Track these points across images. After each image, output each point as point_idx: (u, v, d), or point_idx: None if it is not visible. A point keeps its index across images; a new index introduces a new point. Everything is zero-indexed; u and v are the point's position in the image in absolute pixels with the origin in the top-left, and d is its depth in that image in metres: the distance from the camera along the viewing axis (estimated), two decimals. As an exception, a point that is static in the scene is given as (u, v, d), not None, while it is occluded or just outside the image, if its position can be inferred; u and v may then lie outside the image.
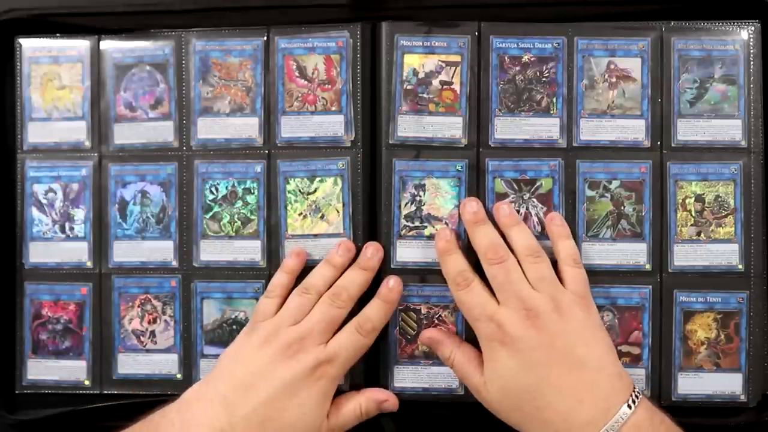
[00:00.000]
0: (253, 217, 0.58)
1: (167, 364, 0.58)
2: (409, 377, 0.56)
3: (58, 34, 0.60)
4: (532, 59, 0.57)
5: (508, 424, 0.50)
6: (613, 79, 0.57)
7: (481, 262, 0.52)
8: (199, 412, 0.49)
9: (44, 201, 0.60)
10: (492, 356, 0.49)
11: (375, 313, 0.53)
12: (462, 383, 0.55)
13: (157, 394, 0.58)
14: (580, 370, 0.47)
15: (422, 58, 0.57)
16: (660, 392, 0.56)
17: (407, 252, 0.56)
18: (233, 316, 0.58)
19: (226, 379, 0.50)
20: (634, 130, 0.56)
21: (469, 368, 0.52)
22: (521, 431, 0.49)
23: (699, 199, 0.56)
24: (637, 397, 0.47)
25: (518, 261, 0.51)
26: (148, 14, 0.59)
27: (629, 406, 0.46)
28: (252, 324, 0.53)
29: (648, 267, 0.56)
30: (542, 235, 0.56)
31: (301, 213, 0.57)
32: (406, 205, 0.56)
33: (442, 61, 0.57)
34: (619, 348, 0.55)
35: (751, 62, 0.56)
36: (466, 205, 0.54)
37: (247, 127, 0.58)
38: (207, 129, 0.59)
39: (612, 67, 0.57)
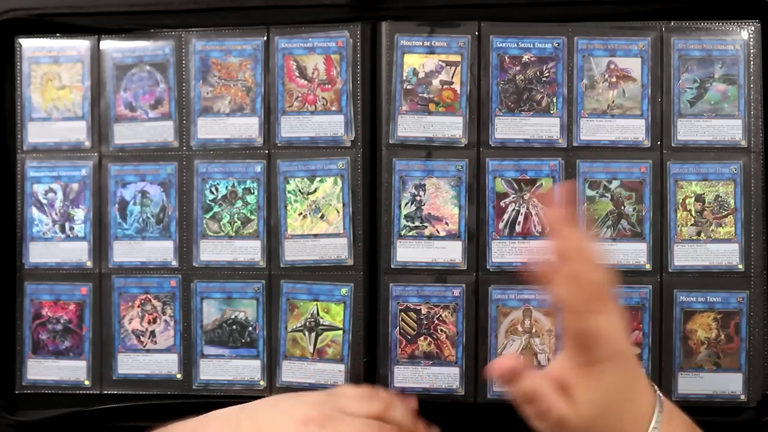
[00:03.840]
0: (253, 217, 0.58)
1: (167, 364, 0.58)
2: (409, 377, 0.56)
3: (58, 34, 0.60)
4: (532, 59, 0.57)
5: None
6: (613, 79, 0.57)
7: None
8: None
9: (44, 201, 0.60)
10: (592, 374, 0.43)
11: None
12: (462, 385, 0.55)
13: (157, 394, 0.58)
14: (638, 373, 0.45)
15: (422, 58, 0.57)
16: (660, 392, 0.56)
17: (407, 252, 0.56)
18: (233, 316, 0.58)
19: (252, 418, 0.49)
20: (634, 130, 0.56)
21: (555, 398, 0.43)
22: None
23: (699, 198, 0.56)
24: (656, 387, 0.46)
25: None
26: (148, 14, 0.59)
27: (659, 397, 0.45)
28: (319, 396, 0.51)
29: (648, 267, 0.56)
30: (543, 236, 0.56)
31: (301, 213, 0.57)
32: (406, 205, 0.56)
33: (442, 61, 0.57)
34: (619, 348, 0.55)
35: (751, 62, 0.56)
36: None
37: (247, 127, 0.58)
38: (207, 129, 0.59)
39: (612, 67, 0.57)
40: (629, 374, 0.43)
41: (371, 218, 0.57)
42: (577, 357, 0.43)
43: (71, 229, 0.59)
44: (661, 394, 0.44)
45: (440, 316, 0.56)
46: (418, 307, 0.56)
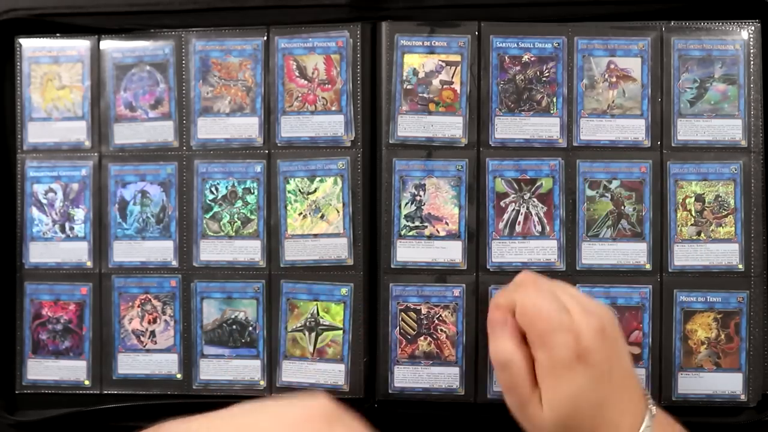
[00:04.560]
0: (253, 217, 0.58)
1: (167, 364, 0.58)
2: (409, 377, 0.56)
3: (58, 34, 0.60)
4: (532, 59, 0.57)
5: None
6: (613, 79, 0.57)
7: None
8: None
9: (44, 201, 0.60)
10: (559, 375, 0.43)
11: None
12: (462, 385, 0.55)
13: (157, 394, 0.58)
14: (628, 381, 0.45)
15: (422, 58, 0.57)
16: (660, 392, 0.56)
17: (407, 252, 0.56)
18: (233, 316, 0.58)
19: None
20: (634, 130, 0.56)
21: (523, 381, 0.45)
22: None
23: (699, 198, 0.56)
24: (650, 398, 0.46)
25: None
26: (148, 14, 0.59)
27: (651, 411, 0.45)
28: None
29: (648, 267, 0.56)
30: (543, 236, 0.56)
31: (301, 213, 0.57)
32: (406, 205, 0.56)
33: (442, 61, 0.57)
34: (619, 348, 0.55)
35: (751, 62, 0.56)
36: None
37: (247, 127, 0.58)
38: (207, 129, 0.59)
39: (612, 66, 0.57)
40: (606, 381, 0.43)
41: (371, 218, 0.57)
42: (539, 352, 0.44)
43: (71, 229, 0.59)
44: (653, 406, 0.45)
45: (440, 316, 0.56)
46: (418, 307, 0.56)
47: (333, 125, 0.57)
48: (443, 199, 0.56)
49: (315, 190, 0.57)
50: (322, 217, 0.57)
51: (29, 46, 0.60)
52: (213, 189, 0.58)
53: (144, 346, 0.58)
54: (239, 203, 0.58)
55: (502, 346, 0.46)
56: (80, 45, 0.60)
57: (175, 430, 0.47)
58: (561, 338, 0.43)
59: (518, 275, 0.49)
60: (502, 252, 0.56)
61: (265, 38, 0.58)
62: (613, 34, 0.57)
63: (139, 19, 0.59)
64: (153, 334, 0.58)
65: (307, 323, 0.57)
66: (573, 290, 0.47)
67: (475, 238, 0.56)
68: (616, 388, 0.44)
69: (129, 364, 0.59)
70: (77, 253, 0.59)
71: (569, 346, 0.43)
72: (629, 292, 0.56)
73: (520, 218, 0.56)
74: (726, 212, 0.56)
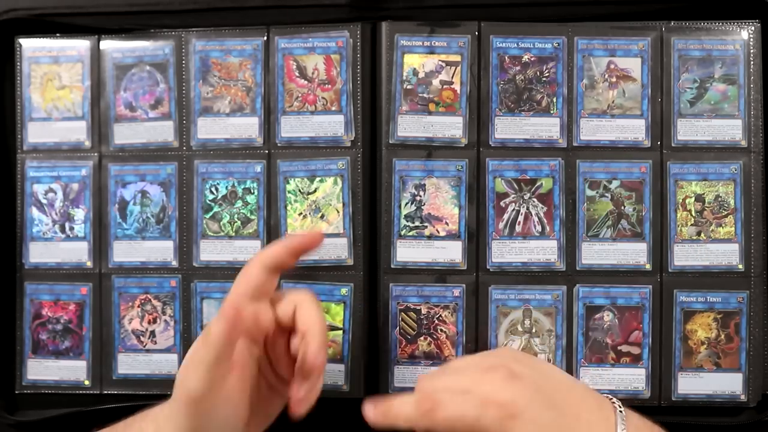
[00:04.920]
0: (253, 217, 0.58)
1: (167, 364, 0.58)
2: (409, 377, 0.56)
3: (58, 34, 0.60)
4: (532, 59, 0.57)
5: None
6: (613, 79, 0.57)
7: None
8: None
9: (44, 201, 0.60)
10: None
11: None
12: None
13: (157, 394, 0.58)
14: (576, 393, 0.45)
15: (422, 58, 0.57)
16: (660, 392, 0.56)
17: (407, 252, 0.56)
18: (233, 316, 0.58)
19: None
20: (634, 130, 0.56)
21: None
22: None
23: (699, 198, 0.56)
24: (618, 403, 0.45)
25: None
26: (148, 14, 0.59)
27: (621, 412, 0.44)
28: None
29: (648, 267, 0.56)
30: (543, 236, 0.56)
31: (301, 213, 0.57)
32: (406, 205, 0.56)
33: (442, 61, 0.57)
34: (619, 348, 0.55)
35: (751, 62, 0.56)
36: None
37: (247, 127, 0.58)
38: (207, 129, 0.59)
39: (612, 67, 0.57)
40: (550, 410, 0.42)
41: (371, 218, 0.57)
42: None
43: (71, 229, 0.59)
44: (622, 409, 0.44)
45: (440, 316, 0.56)
46: (418, 307, 0.56)
47: (333, 125, 0.57)
48: (443, 199, 0.56)
49: (315, 190, 0.57)
50: (322, 217, 0.57)
51: (29, 46, 0.60)
52: (213, 189, 0.58)
53: (144, 346, 0.59)
54: (239, 203, 0.58)
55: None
56: (80, 45, 0.60)
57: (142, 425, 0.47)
58: (488, 413, 0.42)
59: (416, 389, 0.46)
60: (502, 252, 0.56)
61: (265, 38, 0.58)
62: (613, 34, 0.57)
63: (139, 19, 0.59)
64: (153, 334, 0.58)
65: (307, 323, 0.57)
66: (461, 362, 0.46)
67: (475, 238, 0.56)
68: (566, 408, 0.43)
69: (129, 364, 0.59)
70: (77, 253, 0.59)
71: (496, 414, 0.42)
72: (629, 292, 0.56)
73: (520, 218, 0.56)
74: (726, 212, 0.56)
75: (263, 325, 0.46)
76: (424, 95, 0.57)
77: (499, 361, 0.45)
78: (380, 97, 0.57)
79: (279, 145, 0.58)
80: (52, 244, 0.60)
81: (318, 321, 0.46)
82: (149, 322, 0.59)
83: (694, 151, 0.56)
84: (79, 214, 0.59)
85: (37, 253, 0.60)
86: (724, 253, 0.56)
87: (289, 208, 0.58)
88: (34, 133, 0.60)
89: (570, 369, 0.55)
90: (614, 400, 0.45)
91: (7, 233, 0.60)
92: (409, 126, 0.57)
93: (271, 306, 0.47)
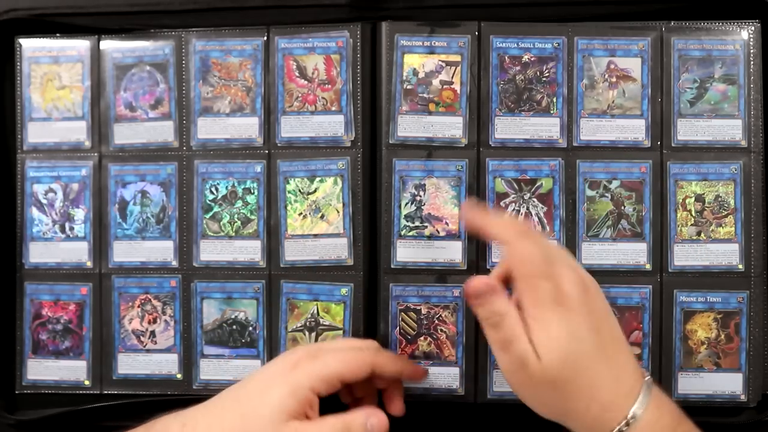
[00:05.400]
0: (253, 217, 0.58)
1: (167, 364, 0.58)
2: (409, 377, 0.56)
3: (58, 34, 0.60)
4: (532, 59, 0.57)
5: (545, 410, 0.45)
6: (613, 79, 0.57)
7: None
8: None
9: (44, 201, 0.60)
10: (545, 318, 0.43)
11: None
12: (462, 385, 0.56)
13: (157, 394, 0.58)
14: (620, 346, 0.45)
15: (422, 58, 0.57)
16: (660, 392, 0.56)
17: (407, 252, 0.56)
18: (233, 316, 0.58)
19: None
20: (634, 130, 0.56)
21: (519, 330, 0.44)
22: (561, 412, 0.44)
23: (699, 198, 0.56)
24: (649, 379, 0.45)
25: None
26: (148, 14, 0.59)
27: (648, 386, 0.43)
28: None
29: (648, 267, 0.56)
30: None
31: (301, 213, 0.57)
32: (406, 205, 0.56)
33: (442, 61, 0.57)
34: (619, 348, 0.55)
35: (751, 62, 0.56)
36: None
37: (247, 127, 0.58)
38: (207, 129, 0.59)
39: (612, 67, 0.57)
40: (594, 334, 0.43)
41: (371, 218, 0.57)
42: (523, 295, 0.44)
43: (71, 229, 0.59)
44: (650, 379, 0.44)
45: (440, 316, 0.56)
46: (418, 307, 0.56)
47: (333, 125, 0.57)
48: (443, 199, 0.56)
49: (315, 190, 0.57)
50: (322, 217, 0.57)
51: (29, 46, 0.60)
52: (213, 189, 0.58)
53: (144, 346, 0.58)
54: (239, 203, 0.58)
55: (497, 302, 0.45)
56: (80, 45, 0.60)
57: (167, 423, 0.48)
58: (543, 282, 0.43)
59: (515, 223, 0.49)
60: (502, 252, 0.56)
61: (265, 38, 0.58)
62: (613, 34, 0.57)
63: (139, 19, 0.59)
64: (153, 334, 0.58)
65: (307, 323, 0.57)
66: (565, 252, 0.48)
67: (475, 238, 0.56)
68: (607, 347, 0.43)
69: (129, 364, 0.59)
70: (77, 253, 0.59)
71: (549, 289, 0.43)
72: (629, 292, 0.56)
73: (520, 218, 0.56)
74: (726, 212, 0.56)
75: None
76: (424, 95, 0.57)
77: (584, 275, 0.45)
78: (380, 97, 0.57)
79: (279, 145, 0.58)
80: (52, 244, 0.60)
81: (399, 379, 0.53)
82: (149, 322, 0.59)
83: (694, 151, 0.56)
84: (79, 214, 0.59)
85: (37, 253, 0.60)
86: (724, 253, 0.56)
87: (289, 208, 0.58)
88: (34, 133, 0.60)
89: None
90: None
91: (7, 233, 0.60)
92: (409, 126, 0.57)
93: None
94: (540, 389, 0.44)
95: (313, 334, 0.57)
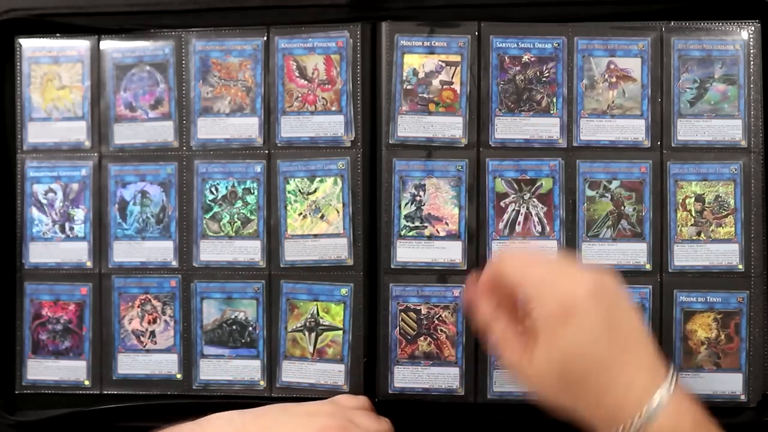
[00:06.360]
0: (253, 217, 0.58)
1: (167, 364, 0.58)
2: (409, 377, 0.56)
3: (58, 34, 0.60)
4: (532, 59, 0.57)
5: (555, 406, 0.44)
6: (613, 79, 0.57)
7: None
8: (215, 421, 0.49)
9: (44, 201, 0.60)
10: (553, 329, 0.43)
11: None
12: (462, 385, 0.56)
13: (157, 394, 0.58)
14: (636, 342, 0.44)
15: (422, 58, 0.57)
16: (660, 392, 0.56)
17: (407, 252, 0.56)
18: (233, 316, 0.58)
19: (258, 423, 0.49)
20: (634, 130, 0.56)
21: (512, 343, 0.45)
22: (571, 409, 0.44)
23: (699, 199, 0.56)
24: (674, 377, 0.43)
25: None
26: (148, 14, 0.59)
27: (669, 388, 0.42)
28: (329, 407, 0.51)
29: (648, 267, 0.56)
30: (543, 236, 0.56)
31: (301, 213, 0.57)
32: (406, 205, 0.56)
33: (442, 61, 0.57)
34: (619, 348, 0.55)
35: (751, 62, 0.56)
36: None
37: (247, 127, 0.58)
38: (207, 129, 0.59)
39: (612, 67, 0.57)
40: (605, 340, 0.42)
41: (371, 218, 0.57)
42: (530, 310, 0.44)
43: (71, 229, 0.59)
44: (674, 375, 0.42)
45: (440, 316, 0.56)
46: (418, 307, 0.56)
47: (333, 125, 0.57)
48: (443, 200, 0.56)
49: (315, 191, 0.57)
50: (322, 217, 0.57)
51: (29, 46, 0.60)
52: (213, 189, 0.58)
53: (144, 346, 0.58)
54: (239, 203, 0.58)
55: (481, 311, 0.46)
56: (80, 45, 0.60)
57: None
58: (547, 293, 0.43)
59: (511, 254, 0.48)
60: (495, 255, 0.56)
61: (265, 38, 0.58)
62: (613, 34, 0.57)
63: (139, 19, 0.59)
64: (153, 334, 0.58)
65: (307, 323, 0.57)
66: (568, 260, 0.47)
67: (475, 238, 0.56)
68: (622, 349, 0.42)
69: (129, 364, 0.59)
70: (77, 253, 0.59)
71: (554, 300, 0.43)
72: (629, 292, 0.56)
73: (520, 218, 0.56)
74: (726, 212, 0.56)
75: None
76: (424, 95, 0.57)
77: (593, 279, 0.44)
78: (380, 97, 0.57)
79: (279, 145, 0.58)
80: (52, 244, 0.60)
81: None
82: (149, 322, 0.59)
83: (694, 151, 0.56)
84: (79, 214, 0.59)
85: (37, 253, 0.60)
86: (724, 253, 0.56)
87: (289, 208, 0.58)
88: (34, 133, 0.60)
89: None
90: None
91: (7, 233, 0.60)
92: (409, 126, 0.57)
93: None
94: (546, 391, 0.44)
95: (313, 335, 0.57)
